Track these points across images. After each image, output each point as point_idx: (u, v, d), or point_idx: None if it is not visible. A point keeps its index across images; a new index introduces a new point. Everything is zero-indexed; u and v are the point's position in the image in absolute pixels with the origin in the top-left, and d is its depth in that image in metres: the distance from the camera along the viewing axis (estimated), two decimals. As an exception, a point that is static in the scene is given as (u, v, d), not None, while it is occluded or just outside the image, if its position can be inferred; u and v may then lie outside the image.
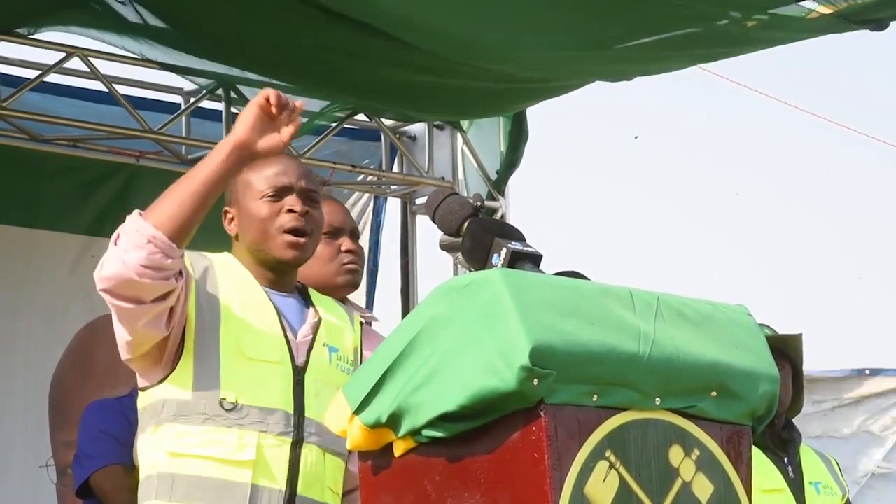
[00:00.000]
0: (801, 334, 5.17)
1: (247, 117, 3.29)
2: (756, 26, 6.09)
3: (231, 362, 3.39)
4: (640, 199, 17.52)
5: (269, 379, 3.41)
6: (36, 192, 6.70)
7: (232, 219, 3.57)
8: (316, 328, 3.53)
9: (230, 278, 3.47)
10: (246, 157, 3.30)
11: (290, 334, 3.48)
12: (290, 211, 3.50)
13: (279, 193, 3.52)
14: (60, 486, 6.57)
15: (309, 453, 3.44)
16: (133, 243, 3.22)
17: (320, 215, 3.60)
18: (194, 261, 3.44)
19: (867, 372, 9.19)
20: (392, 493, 2.95)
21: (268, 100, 3.28)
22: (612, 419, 2.83)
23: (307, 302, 3.61)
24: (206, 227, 3.37)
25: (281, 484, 3.39)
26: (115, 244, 3.26)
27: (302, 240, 3.52)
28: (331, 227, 4.13)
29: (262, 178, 3.53)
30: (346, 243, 4.16)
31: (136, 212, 3.28)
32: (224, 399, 3.37)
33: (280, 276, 3.55)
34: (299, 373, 3.46)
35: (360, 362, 3.61)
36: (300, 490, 3.41)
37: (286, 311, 3.51)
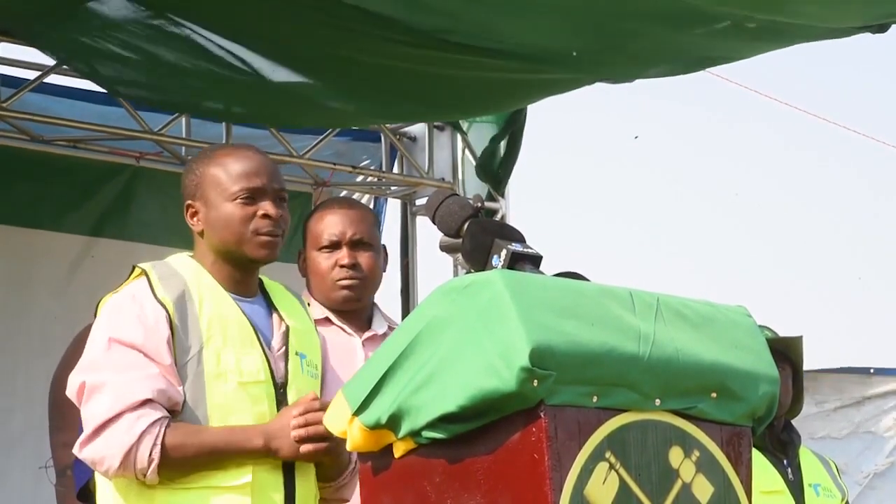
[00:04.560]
0: (801, 336, 5.18)
1: (293, 446, 3.36)
2: (756, 28, 6.08)
3: (218, 389, 3.37)
4: (639, 200, 17.52)
5: (256, 400, 3.40)
6: (36, 192, 6.69)
7: (195, 213, 3.51)
8: (286, 337, 3.51)
9: (205, 299, 3.42)
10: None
11: (266, 350, 3.45)
12: (266, 216, 3.47)
13: (253, 196, 3.47)
14: (59, 486, 6.55)
15: (300, 467, 3.43)
16: (135, 474, 3.31)
17: (288, 214, 3.57)
18: (168, 294, 3.39)
19: (871, 372, 9.19)
20: (392, 495, 2.95)
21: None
22: (612, 420, 2.83)
23: (269, 304, 3.57)
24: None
25: (280, 502, 3.39)
26: (127, 455, 3.29)
27: (276, 239, 3.49)
28: (328, 241, 4.15)
29: (233, 178, 3.48)
30: (344, 257, 4.16)
31: (157, 449, 3.29)
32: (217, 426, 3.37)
33: (247, 275, 3.51)
34: (280, 388, 3.44)
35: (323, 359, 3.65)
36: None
37: (257, 322, 3.48)
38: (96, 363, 3.38)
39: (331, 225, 4.16)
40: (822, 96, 18.52)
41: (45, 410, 6.65)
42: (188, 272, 3.46)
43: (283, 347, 3.49)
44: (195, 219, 3.51)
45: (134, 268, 3.47)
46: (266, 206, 3.47)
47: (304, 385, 3.48)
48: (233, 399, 3.37)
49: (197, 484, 3.34)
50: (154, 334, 3.35)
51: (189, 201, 3.52)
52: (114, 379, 3.33)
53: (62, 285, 6.74)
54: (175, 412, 3.34)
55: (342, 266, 4.14)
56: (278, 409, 3.43)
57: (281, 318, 3.53)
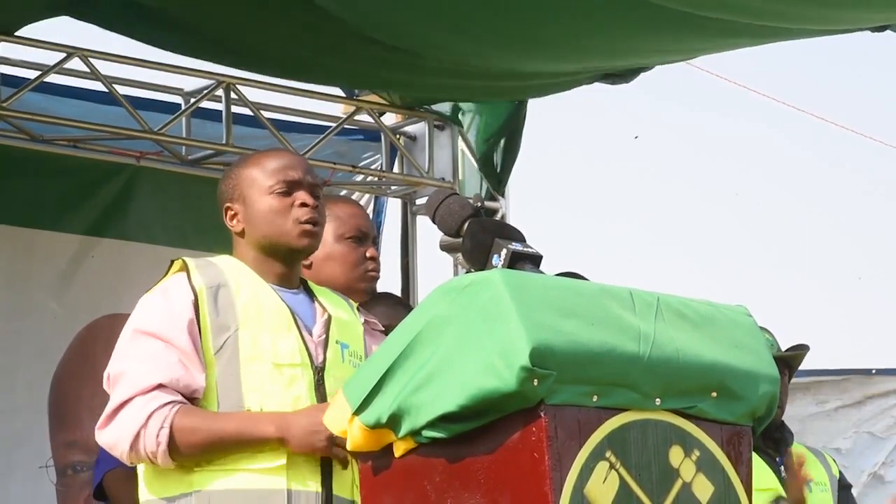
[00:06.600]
0: (808, 347, 5.23)
1: (314, 447, 3.35)
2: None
3: (253, 371, 3.39)
4: (639, 200, 17.52)
5: (291, 383, 3.42)
6: (36, 192, 6.69)
7: (235, 215, 3.58)
8: (328, 325, 3.54)
9: (242, 288, 3.47)
10: None
11: (305, 334, 3.49)
12: (304, 205, 3.53)
13: (289, 188, 3.55)
14: (60, 486, 6.57)
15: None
16: (147, 458, 3.34)
17: (325, 210, 3.65)
18: (204, 280, 3.44)
19: (873, 372, 9.20)
20: (392, 494, 2.95)
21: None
22: (613, 419, 2.83)
23: (312, 297, 3.62)
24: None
25: (316, 486, 3.39)
26: (136, 438, 3.33)
27: (315, 228, 3.55)
28: (358, 232, 4.19)
29: (268, 173, 3.56)
30: (370, 250, 4.25)
31: (164, 431, 3.31)
32: (248, 409, 3.38)
33: (289, 268, 3.57)
34: (319, 373, 3.46)
35: (367, 352, 3.64)
36: (335, 490, 3.42)
37: (298, 310, 3.52)
38: (121, 353, 3.45)
39: (358, 217, 4.24)
40: (822, 96, 18.52)
41: (45, 410, 6.66)
42: (227, 265, 3.53)
43: (324, 335, 3.52)
44: (234, 220, 3.58)
45: (172, 262, 3.53)
46: (302, 196, 3.54)
47: (344, 373, 3.47)
48: (267, 380, 3.39)
49: (232, 466, 3.35)
50: (177, 323, 3.39)
51: (227, 204, 3.59)
52: (132, 367, 3.39)
53: (62, 285, 6.74)
54: (194, 399, 3.37)
55: (371, 258, 4.23)
56: (316, 394, 3.44)
57: (324, 308, 3.58)
